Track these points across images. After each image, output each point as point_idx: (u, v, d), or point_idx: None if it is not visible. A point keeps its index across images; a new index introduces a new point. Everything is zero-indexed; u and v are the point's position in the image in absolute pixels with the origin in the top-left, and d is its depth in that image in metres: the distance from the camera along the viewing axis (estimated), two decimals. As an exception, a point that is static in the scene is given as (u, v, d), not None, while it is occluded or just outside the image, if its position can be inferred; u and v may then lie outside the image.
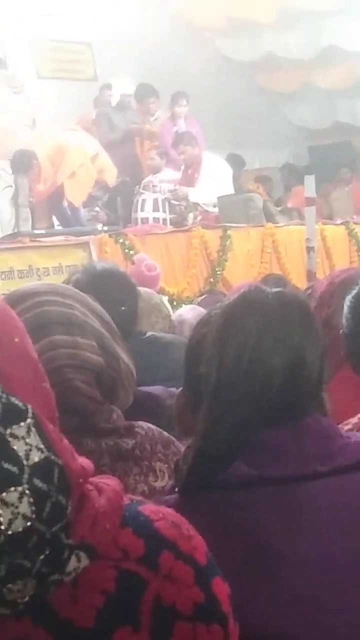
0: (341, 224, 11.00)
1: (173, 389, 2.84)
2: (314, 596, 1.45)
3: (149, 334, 3.57)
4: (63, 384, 1.76)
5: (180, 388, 1.73)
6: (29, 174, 9.64)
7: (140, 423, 2.02)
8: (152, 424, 2.54)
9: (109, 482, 1.13)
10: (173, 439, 2.08)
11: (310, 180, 8.70)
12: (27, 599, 0.99)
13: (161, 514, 1.15)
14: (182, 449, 1.96)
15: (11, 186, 10.03)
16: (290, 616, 1.43)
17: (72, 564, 1.02)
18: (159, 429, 2.07)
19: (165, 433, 2.08)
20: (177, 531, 1.13)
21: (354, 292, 2.47)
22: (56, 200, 10.21)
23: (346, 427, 2.01)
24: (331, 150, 13.90)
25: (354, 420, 2.28)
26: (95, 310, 1.91)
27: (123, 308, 3.17)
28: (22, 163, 9.60)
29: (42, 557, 0.99)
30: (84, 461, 1.11)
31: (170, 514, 1.17)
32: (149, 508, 1.16)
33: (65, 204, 10.20)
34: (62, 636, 1.02)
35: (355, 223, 11.07)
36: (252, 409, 1.51)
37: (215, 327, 1.57)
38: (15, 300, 1.82)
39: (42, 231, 9.00)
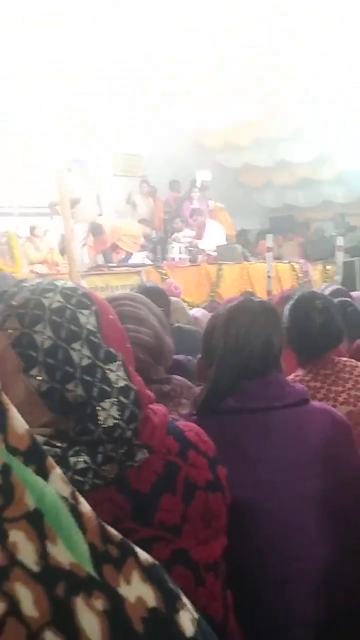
0: (287, 263, 10.99)
1: (190, 357, 2.85)
2: (273, 479, 1.46)
3: (175, 325, 3.56)
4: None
5: (199, 355, 1.74)
6: (101, 236, 9.66)
7: (175, 376, 2.00)
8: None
9: (160, 408, 1.15)
10: (192, 384, 2.07)
11: (269, 237, 8.71)
12: (113, 475, 1.01)
13: (189, 427, 1.17)
14: (198, 390, 1.97)
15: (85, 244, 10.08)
16: (258, 490, 1.43)
17: (139, 455, 1.03)
18: (184, 379, 2.06)
19: (188, 382, 2.07)
20: (198, 438, 1.15)
21: (291, 302, 2.47)
22: (110, 250, 10.21)
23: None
24: (281, 220, 13.85)
25: (291, 377, 2.28)
26: (153, 310, 1.88)
27: (162, 309, 3.18)
28: (97, 230, 9.63)
29: (122, 450, 1.01)
30: (150, 393, 1.13)
31: (194, 427, 1.18)
32: (182, 424, 1.17)
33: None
34: (132, 498, 1.03)
35: (295, 262, 11.04)
36: (241, 368, 1.53)
37: (223, 318, 1.59)
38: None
39: (114, 264, 9.02)
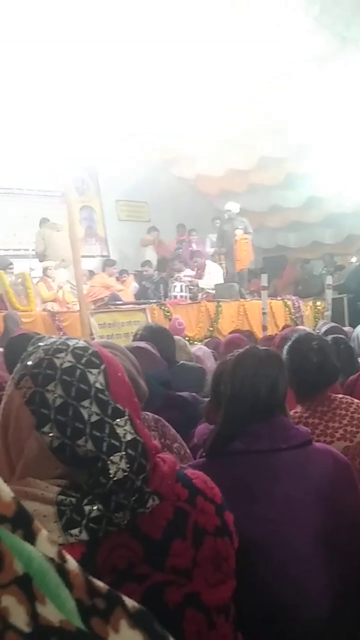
0: (280, 299, 11.00)
1: (194, 394, 2.83)
2: (278, 517, 1.43)
3: (180, 362, 3.54)
4: None
5: (205, 394, 1.72)
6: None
7: (143, 413, 1.94)
8: (181, 412, 2.51)
9: (169, 457, 1.13)
10: (161, 418, 2.04)
11: (264, 277, 8.72)
12: (125, 522, 0.99)
13: (196, 475, 1.15)
14: (166, 422, 2.01)
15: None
16: (264, 527, 1.41)
17: (150, 502, 1.02)
18: (152, 414, 2.03)
19: (157, 416, 2.03)
20: (205, 485, 1.13)
21: (289, 343, 2.47)
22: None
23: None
24: (274, 259, 13.86)
25: (291, 413, 2.26)
26: (129, 357, 1.85)
27: (168, 347, 3.15)
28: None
29: (133, 498, 0.99)
30: (156, 443, 1.11)
31: (201, 475, 1.16)
32: (190, 472, 1.15)
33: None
34: (144, 543, 1.01)
35: (288, 299, 11.05)
36: (247, 412, 1.51)
37: (231, 365, 1.58)
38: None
39: (120, 302, 9.02)
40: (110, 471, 0.98)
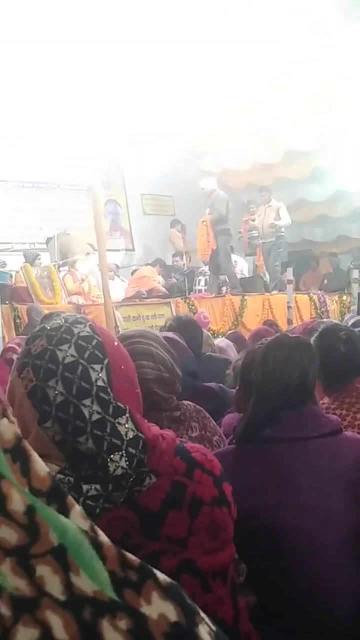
0: (305, 293, 10.91)
1: (221, 384, 2.83)
2: (308, 504, 1.43)
3: (206, 353, 3.55)
4: (146, 387, 1.71)
5: (236, 386, 1.72)
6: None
7: (185, 402, 1.96)
8: (209, 403, 2.50)
9: (169, 432, 1.14)
10: (202, 409, 2.03)
11: (289, 270, 8.67)
12: (122, 500, 1.02)
13: (196, 448, 1.16)
14: (207, 414, 1.98)
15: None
16: (292, 518, 1.41)
17: (147, 481, 1.04)
18: (194, 404, 2.02)
19: (198, 407, 2.02)
20: (204, 458, 1.14)
21: (316, 333, 2.46)
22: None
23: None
24: (300, 254, 13.69)
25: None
26: (163, 345, 1.86)
27: (196, 338, 3.16)
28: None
29: (131, 479, 1.02)
30: (156, 428, 1.13)
31: (202, 449, 1.18)
32: (189, 445, 1.16)
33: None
34: (141, 515, 1.04)
35: (314, 294, 10.97)
36: (278, 399, 1.50)
37: (261, 353, 1.57)
38: (120, 340, 1.80)
39: (146, 295, 9.03)
40: (110, 468, 1.00)
